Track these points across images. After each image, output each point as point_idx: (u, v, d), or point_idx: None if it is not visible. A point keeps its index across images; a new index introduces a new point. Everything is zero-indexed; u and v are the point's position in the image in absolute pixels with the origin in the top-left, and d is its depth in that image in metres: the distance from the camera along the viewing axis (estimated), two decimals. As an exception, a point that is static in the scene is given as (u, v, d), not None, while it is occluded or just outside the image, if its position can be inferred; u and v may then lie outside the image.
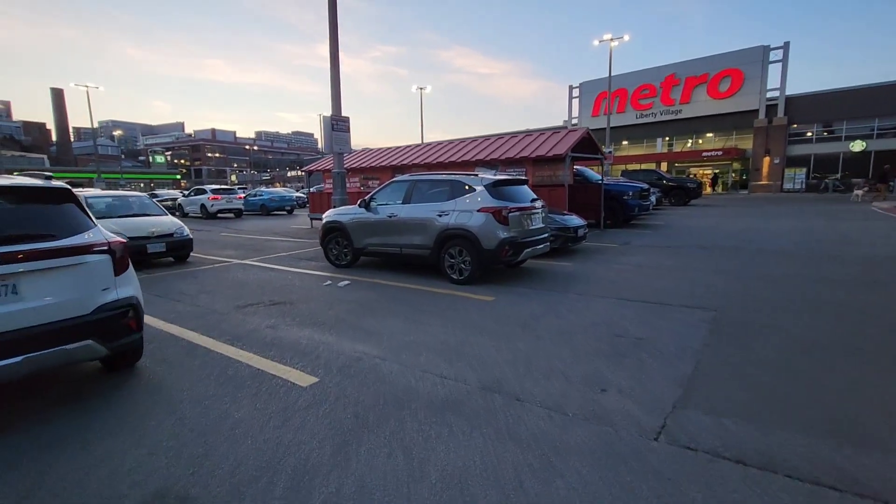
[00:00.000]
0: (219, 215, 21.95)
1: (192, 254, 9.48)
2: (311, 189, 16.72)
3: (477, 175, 6.66)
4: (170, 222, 8.85)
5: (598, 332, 4.23)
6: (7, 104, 72.28)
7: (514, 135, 12.54)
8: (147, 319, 4.97)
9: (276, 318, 4.95)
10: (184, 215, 22.90)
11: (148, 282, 7.09)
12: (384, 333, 4.35)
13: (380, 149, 15.58)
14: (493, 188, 6.39)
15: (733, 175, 38.33)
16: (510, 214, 6.18)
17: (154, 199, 9.84)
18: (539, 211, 6.78)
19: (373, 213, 7.39)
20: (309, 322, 4.79)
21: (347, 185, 14.62)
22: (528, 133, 12.40)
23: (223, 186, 23.46)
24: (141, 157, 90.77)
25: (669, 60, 42.45)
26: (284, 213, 24.57)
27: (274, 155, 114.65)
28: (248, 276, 7.43)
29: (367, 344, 4.07)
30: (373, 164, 14.40)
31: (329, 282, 6.77)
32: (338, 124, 10.75)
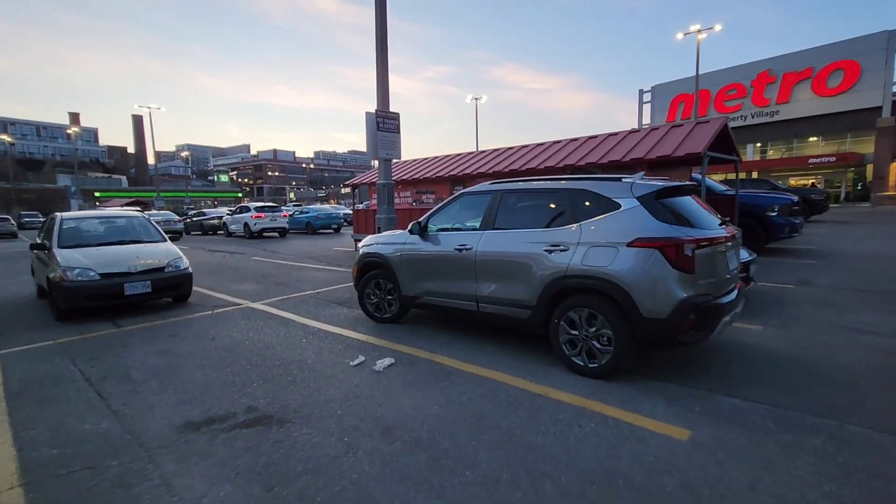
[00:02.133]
0: (263, 234, 20.51)
1: (197, 289, 7.31)
2: (359, 205, 14.45)
3: (619, 179, 3.74)
4: (164, 252, 6.67)
5: None
6: (94, 131, 78.80)
7: (612, 134, 9.50)
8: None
9: (237, 483, 2.30)
10: (228, 234, 21.78)
11: (101, 342, 4.76)
12: None
13: (436, 157, 13.05)
14: (656, 201, 3.44)
15: (847, 185, 32.33)
16: (697, 252, 3.21)
17: (151, 220, 7.73)
18: (734, 246, 3.73)
19: (431, 242, 4.68)
20: (295, 510, 2.08)
21: (397, 200, 12.19)
22: (633, 130, 9.32)
23: (267, 204, 22.08)
24: (210, 177, 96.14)
25: (736, 62, 37.43)
26: (331, 231, 22.82)
27: (330, 173, 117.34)
28: (247, 337, 4.95)
29: None
30: (427, 175, 11.84)
31: (361, 358, 4.09)
32: (385, 122, 8.26)
